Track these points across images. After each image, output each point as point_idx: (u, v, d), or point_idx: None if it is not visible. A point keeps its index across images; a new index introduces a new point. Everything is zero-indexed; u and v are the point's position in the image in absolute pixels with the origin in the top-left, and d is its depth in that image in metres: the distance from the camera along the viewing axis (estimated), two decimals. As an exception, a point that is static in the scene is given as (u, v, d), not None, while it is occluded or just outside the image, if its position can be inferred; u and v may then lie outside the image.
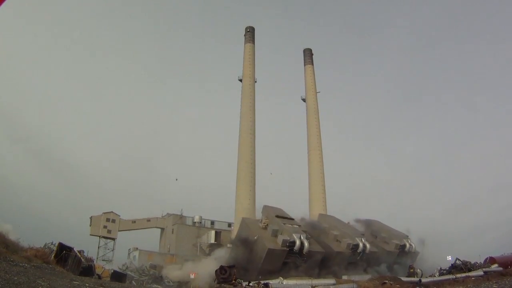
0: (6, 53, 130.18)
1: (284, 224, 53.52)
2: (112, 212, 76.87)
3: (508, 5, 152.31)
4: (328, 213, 71.48)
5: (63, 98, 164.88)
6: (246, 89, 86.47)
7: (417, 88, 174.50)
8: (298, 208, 68.79)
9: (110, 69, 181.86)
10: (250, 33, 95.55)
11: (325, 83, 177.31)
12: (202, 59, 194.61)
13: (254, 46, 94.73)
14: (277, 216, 56.24)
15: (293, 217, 59.26)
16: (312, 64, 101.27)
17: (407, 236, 61.61)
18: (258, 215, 66.19)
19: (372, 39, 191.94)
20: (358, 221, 67.40)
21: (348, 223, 66.02)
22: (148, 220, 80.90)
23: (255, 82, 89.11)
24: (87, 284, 24.89)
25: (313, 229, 58.22)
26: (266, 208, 60.56)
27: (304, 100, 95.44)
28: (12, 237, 36.26)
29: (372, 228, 65.72)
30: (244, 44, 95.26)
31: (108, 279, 40.49)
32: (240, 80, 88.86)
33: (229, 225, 77.06)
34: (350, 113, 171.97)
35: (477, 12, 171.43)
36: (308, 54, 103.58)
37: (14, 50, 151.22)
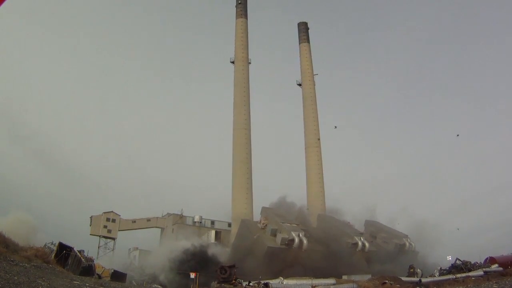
0: (7, 52, 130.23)
1: (283, 223, 53.81)
2: (112, 211, 76.86)
3: (509, 5, 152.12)
4: (327, 211, 71.25)
5: (63, 97, 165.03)
6: (238, 75, 79.16)
7: (419, 86, 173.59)
8: (297, 207, 68.56)
9: (110, 69, 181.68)
10: (241, 5, 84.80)
11: (324, 62, 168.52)
12: (192, 41, 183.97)
13: (247, 21, 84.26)
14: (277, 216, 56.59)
15: (291, 217, 59.58)
16: (308, 42, 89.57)
17: (407, 235, 61.68)
18: (256, 215, 66.24)
19: (376, 15, 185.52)
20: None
21: (349, 223, 66.08)
22: (148, 220, 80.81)
23: (249, 63, 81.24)
24: (87, 284, 24.93)
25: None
26: (264, 209, 60.90)
27: (300, 85, 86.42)
28: (33, 228, 37.99)
29: (371, 229, 65.82)
30: (236, 18, 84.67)
31: (108, 279, 40.50)
32: (232, 62, 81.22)
33: (229, 224, 76.93)
34: (351, 100, 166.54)
35: (479, 12, 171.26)
36: (303, 29, 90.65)
37: (14, 50, 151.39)
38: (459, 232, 73.40)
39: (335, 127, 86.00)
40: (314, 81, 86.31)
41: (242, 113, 76.36)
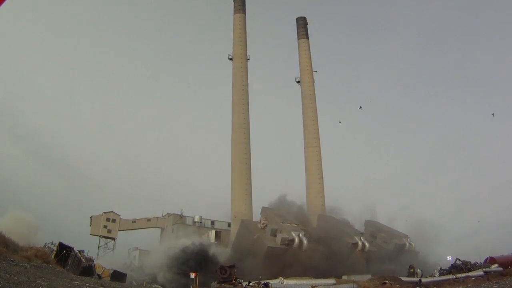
0: (7, 52, 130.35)
1: (283, 223, 53.89)
2: (112, 211, 76.93)
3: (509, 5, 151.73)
4: (327, 211, 71.08)
5: (63, 97, 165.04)
6: (237, 73, 77.43)
7: (420, 85, 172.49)
8: (297, 206, 68.30)
9: (110, 69, 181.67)
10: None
11: (324, 58, 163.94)
12: (189, 38, 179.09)
13: (245, 17, 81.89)
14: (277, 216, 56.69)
15: (291, 216, 59.66)
16: (307, 38, 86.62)
17: (407, 235, 61.69)
18: (255, 215, 66.14)
19: (377, 10, 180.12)
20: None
21: (349, 222, 66.11)
22: (148, 220, 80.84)
23: (248, 60, 79.41)
24: (87, 284, 24.93)
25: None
26: (264, 210, 60.97)
27: (299, 82, 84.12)
28: (33, 226, 38.06)
29: (371, 229, 65.82)
30: (234, 14, 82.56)
31: (108, 279, 40.53)
32: (231, 59, 79.35)
33: (229, 224, 76.93)
34: (351, 98, 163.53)
35: (481, 11, 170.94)
36: (302, 25, 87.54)
37: (14, 50, 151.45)
38: (459, 232, 73.53)
39: (360, 107, 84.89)
40: (313, 79, 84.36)
41: (241, 112, 75.12)
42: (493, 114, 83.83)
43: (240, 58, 79.14)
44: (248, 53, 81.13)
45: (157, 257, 56.88)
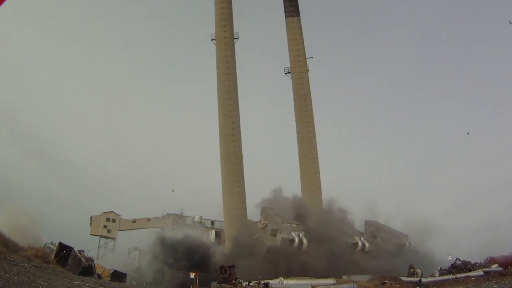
0: (7, 52, 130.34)
1: (283, 223, 54.01)
2: (112, 211, 76.99)
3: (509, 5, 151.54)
4: (325, 210, 70.50)
5: (63, 97, 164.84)
6: (221, 61, 62.95)
7: (421, 83, 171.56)
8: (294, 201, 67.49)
9: (109, 68, 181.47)
10: None
11: (320, 43, 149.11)
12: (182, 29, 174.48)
13: None
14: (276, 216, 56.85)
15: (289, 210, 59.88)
16: (298, 15, 69.54)
17: (407, 235, 61.72)
18: (250, 214, 65.88)
19: None
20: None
21: (348, 222, 66.14)
22: (148, 220, 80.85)
23: (237, 38, 64.26)
24: (87, 284, 24.97)
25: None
26: (264, 210, 61.03)
27: (289, 73, 68.62)
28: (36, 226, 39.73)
29: (371, 229, 65.88)
30: None
31: (108, 279, 40.54)
32: (213, 40, 64.71)
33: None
34: (349, 95, 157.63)
35: (479, 12, 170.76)
36: None
37: (14, 50, 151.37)
38: (459, 232, 73.49)
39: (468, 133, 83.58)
40: (307, 67, 69.18)
41: (228, 115, 64.24)
42: (468, 133, 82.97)
43: (225, 44, 63.69)
44: (236, 31, 64.96)
45: (154, 248, 56.57)
